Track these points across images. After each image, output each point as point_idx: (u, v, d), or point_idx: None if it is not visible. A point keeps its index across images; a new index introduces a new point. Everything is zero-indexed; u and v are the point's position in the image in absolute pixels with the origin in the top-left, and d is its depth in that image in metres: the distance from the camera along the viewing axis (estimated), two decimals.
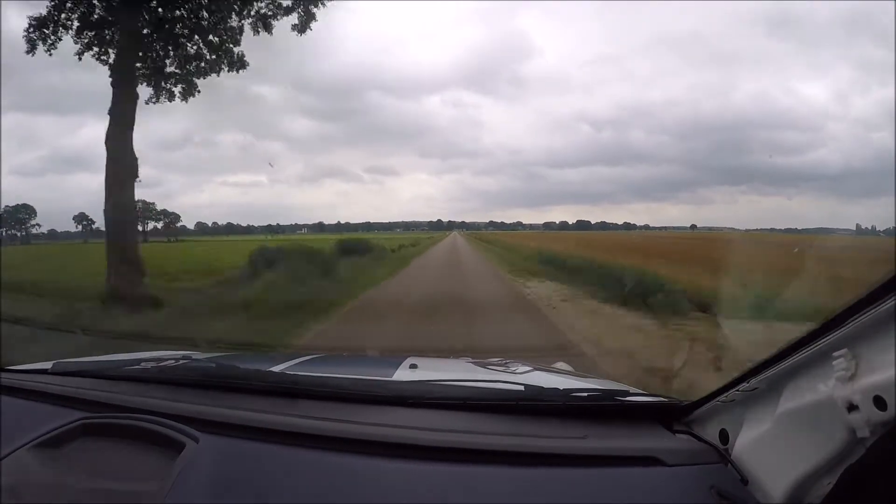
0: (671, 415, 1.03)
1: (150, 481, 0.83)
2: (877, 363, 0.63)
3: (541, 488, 0.81)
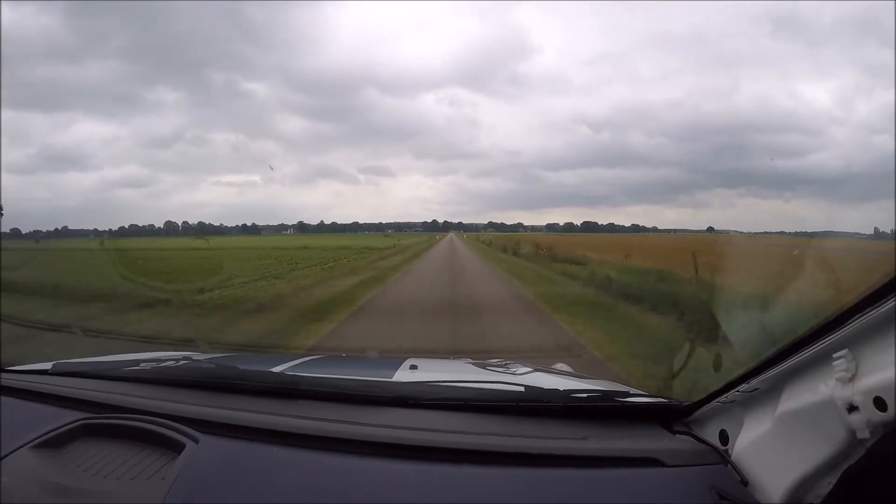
0: (671, 416, 1.03)
1: (149, 482, 0.83)
2: (877, 364, 0.63)
3: (541, 489, 0.81)
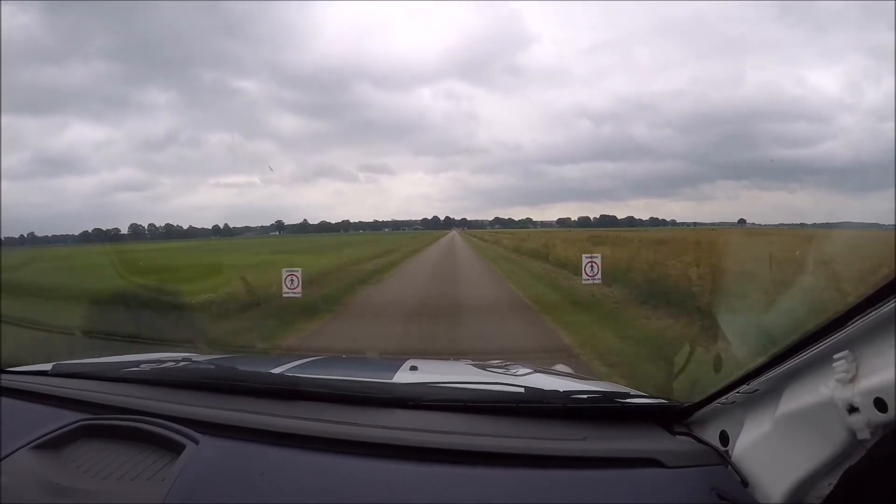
0: (671, 416, 1.02)
1: (149, 482, 0.83)
2: (877, 365, 0.63)
3: (541, 490, 0.81)
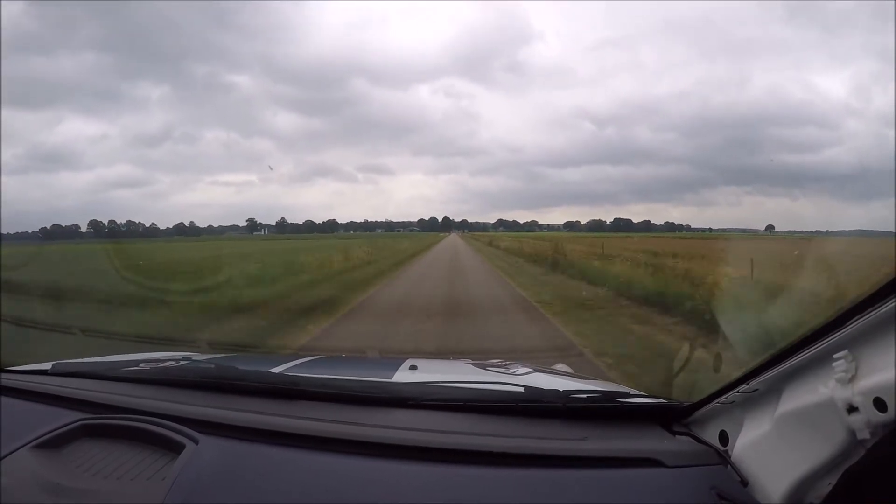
0: (671, 416, 1.03)
1: (149, 482, 0.83)
2: (877, 365, 0.63)
3: (541, 490, 0.81)
